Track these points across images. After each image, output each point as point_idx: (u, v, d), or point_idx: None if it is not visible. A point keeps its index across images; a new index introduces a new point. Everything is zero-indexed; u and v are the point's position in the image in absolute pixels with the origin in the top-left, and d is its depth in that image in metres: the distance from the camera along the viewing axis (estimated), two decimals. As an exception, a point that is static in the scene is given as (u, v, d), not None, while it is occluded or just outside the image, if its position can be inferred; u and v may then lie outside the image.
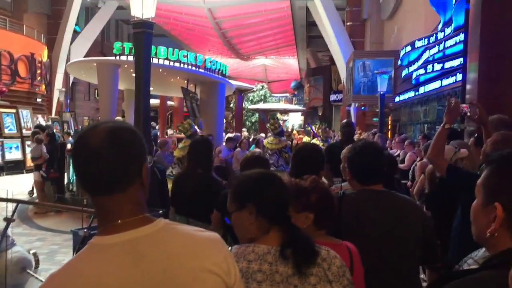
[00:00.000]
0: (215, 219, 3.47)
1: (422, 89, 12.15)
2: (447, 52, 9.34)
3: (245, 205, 1.65)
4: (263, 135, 17.04)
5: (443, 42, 9.42)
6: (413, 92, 13.18)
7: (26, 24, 19.32)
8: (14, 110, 15.80)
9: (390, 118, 18.09)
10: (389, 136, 15.97)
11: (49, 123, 16.83)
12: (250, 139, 13.49)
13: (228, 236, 3.35)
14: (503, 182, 1.12)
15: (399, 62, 14.83)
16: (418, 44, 11.66)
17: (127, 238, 1.12)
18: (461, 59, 6.40)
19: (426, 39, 11.03)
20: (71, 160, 1.17)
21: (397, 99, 15.73)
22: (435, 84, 10.91)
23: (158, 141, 10.59)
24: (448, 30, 9.27)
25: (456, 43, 8.65)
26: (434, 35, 10.45)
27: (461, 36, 7.48)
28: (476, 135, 3.41)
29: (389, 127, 17.87)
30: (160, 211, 4.66)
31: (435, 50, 10.11)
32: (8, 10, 20.07)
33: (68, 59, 20.41)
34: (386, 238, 2.17)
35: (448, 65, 9.40)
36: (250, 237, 1.65)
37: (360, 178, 2.37)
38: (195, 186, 3.91)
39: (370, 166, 2.33)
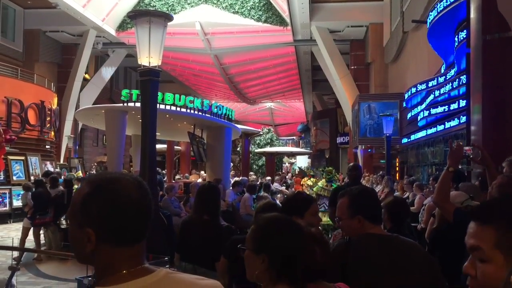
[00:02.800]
0: (222, 266, 3.42)
1: (428, 131, 12.18)
2: (452, 94, 9.43)
3: (260, 253, 1.64)
4: (269, 178, 17.01)
5: (447, 85, 9.53)
6: (420, 134, 13.20)
7: (37, 73, 19.82)
8: (23, 158, 15.97)
9: (397, 159, 18.04)
10: (397, 177, 15.87)
11: (58, 169, 16.93)
12: (258, 183, 13.45)
13: (233, 284, 3.29)
14: None
15: (404, 104, 14.95)
16: (420, 87, 11.82)
17: None
18: (465, 101, 6.45)
19: (430, 82, 11.17)
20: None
21: (403, 140, 15.74)
22: (441, 126, 10.95)
23: (164, 186, 10.59)
24: (451, 73, 9.39)
25: (459, 86, 8.75)
26: (436, 78, 10.59)
27: (463, 79, 7.59)
28: (480, 178, 3.39)
29: (397, 168, 17.78)
30: (166, 258, 4.62)
31: (438, 92, 10.21)
32: (19, 59, 20.66)
33: (77, 106, 20.78)
34: (392, 285, 2.12)
35: (453, 107, 9.46)
36: (257, 283, 1.63)
37: (372, 219, 2.35)
38: (201, 233, 3.88)
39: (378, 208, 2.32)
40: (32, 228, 9.43)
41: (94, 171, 12.82)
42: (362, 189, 2.50)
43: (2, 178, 14.48)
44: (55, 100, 20.34)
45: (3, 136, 13.79)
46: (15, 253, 6.37)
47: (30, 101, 17.69)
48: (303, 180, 17.75)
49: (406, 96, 13.67)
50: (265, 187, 11.67)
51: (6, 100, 16.52)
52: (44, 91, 19.21)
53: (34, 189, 9.65)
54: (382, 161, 17.93)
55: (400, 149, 17.46)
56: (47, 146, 19.24)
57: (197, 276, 1.23)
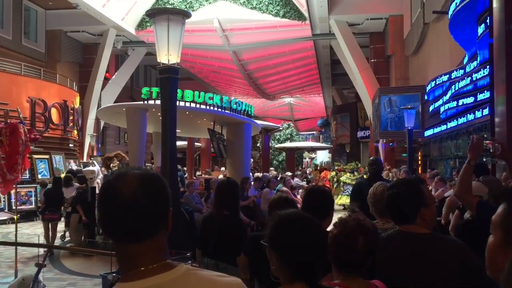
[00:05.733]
0: (242, 262, 3.42)
1: (451, 124, 11.98)
2: (479, 84, 9.24)
3: (273, 249, 1.64)
4: (289, 173, 16.98)
5: (471, 76, 9.35)
6: (443, 127, 12.99)
7: (59, 73, 20.16)
8: (47, 156, 16.29)
9: (419, 153, 17.80)
10: (420, 171, 15.67)
11: (80, 167, 17.20)
12: (278, 178, 13.45)
13: (255, 279, 3.30)
14: None
15: (426, 97, 14.73)
16: (442, 79, 11.62)
17: (149, 285, 1.13)
18: (488, 92, 6.31)
19: (453, 73, 10.98)
20: (97, 208, 1.20)
21: (426, 133, 15.53)
22: (464, 118, 10.76)
23: (185, 182, 10.67)
24: (473, 64, 9.21)
25: (483, 77, 8.57)
26: (459, 69, 10.39)
27: (487, 70, 7.43)
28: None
29: (419, 162, 17.56)
30: (188, 254, 4.66)
31: (462, 83, 10.02)
32: (42, 60, 21.04)
33: (99, 105, 21.08)
34: (418, 286, 2.07)
35: (480, 97, 9.27)
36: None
37: (394, 219, 2.31)
38: (221, 228, 3.90)
39: (404, 206, 2.24)
40: (49, 224, 9.91)
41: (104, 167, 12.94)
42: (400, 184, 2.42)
43: (27, 177, 14.77)
44: (77, 99, 20.66)
45: (28, 135, 14.10)
46: (41, 250, 6.50)
47: (53, 101, 18.01)
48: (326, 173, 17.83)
49: (427, 88, 13.47)
50: (284, 181, 11.63)
51: (30, 100, 16.86)
52: (66, 90, 19.54)
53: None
54: (404, 154, 17.73)
55: (423, 143, 17.22)
56: (70, 145, 19.56)
57: (218, 273, 1.23)
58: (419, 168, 16.64)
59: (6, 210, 13.97)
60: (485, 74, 8.64)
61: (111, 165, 10.66)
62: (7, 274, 7.52)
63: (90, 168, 10.27)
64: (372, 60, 21.36)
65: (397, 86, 18.91)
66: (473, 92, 9.76)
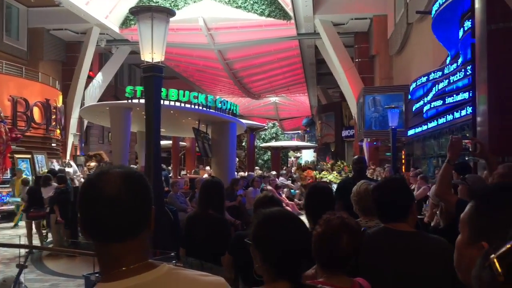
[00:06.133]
0: (226, 261, 3.42)
1: (433, 123, 12.12)
2: (459, 84, 9.37)
3: (256, 248, 1.63)
4: (274, 172, 17.02)
5: (453, 76, 9.46)
6: (425, 126, 13.14)
7: (42, 71, 19.88)
8: (29, 156, 16.05)
9: (403, 152, 17.96)
10: (403, 170, 15.82)
11: (62, 167, 17.02)
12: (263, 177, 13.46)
13: (239, 278, 3.30)
14: (490, 221, 1.06)
15: (409, 97, 14.86)
16: (422, 80, 11.77)
17: (131, 285, 1.11)
18: (470, 92, 6.41)
19: (431, 74, 11.12)
20: (78, 206, 1.17)
21: (409, 133, 15.68)
22: (446, 118, 10.90)
23: (170, 182, 10.61)
24: (455, 65, 9.33)
25: (463, 77, 8.68)
26: (441, 70, 10.52)
27: (468, 70, 7.53)
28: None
29: (403, 161, 17.71)
30: (172, 254, 4.63)
31: (444, 84, 10.14)
32: (24, 58, 20.70)
33: (82, 104, 20.83)
34: (403, 283, 2.08)
35: (459, 98, 9.41)
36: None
37: (382, 216, 2.32)
38: (207, 227, 3.89)
39: (394, 204, 2.26)
40: (33, 223, 9.87)
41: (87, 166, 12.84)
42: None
43: (9, 177, 14.55)
44: (60, 98, 20.41)
45: (9, 134, 13.90)
46: (22, 251, 6.41)
47: (35, 100, 17.76)
48: (313, 172, 17.97)
49: (411, 88, 13.60)
50: (267, 180, 11.67)
51: (12, 99, 16.57)
52: (49, 89, 19.28)
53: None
54: (388, 153, 17.87)
55: (406, 142, 17.38)
56: (53, 144, 19.32)
57: (201, 272, 1.22)
58: (403, 167, 16.79)
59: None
60: (461, 77, 8.80)
61: (88, 164, 10.54)
62: (-12, 276, 7.40)
63: (66, 169, 10.22)
64: (357, 60, 21.48)
65: (381, 86, 19.06)
66: (454, 92, 9.88)
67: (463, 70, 8.76)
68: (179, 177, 16.80)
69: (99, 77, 23.95)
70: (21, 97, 16.96)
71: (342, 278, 1.88)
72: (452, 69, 9.45)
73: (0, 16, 19.52)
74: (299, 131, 46.05)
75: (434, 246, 2.15)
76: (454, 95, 9.71)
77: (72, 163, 12.19)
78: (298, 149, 33.22)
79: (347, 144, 28.25)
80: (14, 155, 14.87)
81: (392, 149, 13.11)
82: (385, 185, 2.37)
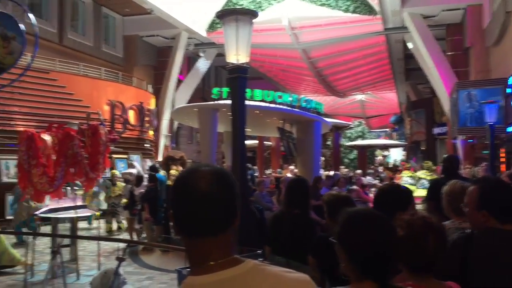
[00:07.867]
0: (311, 264, 3.38)
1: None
2: None
3: (342, 247, 1.61)
4: (360, 171, 16.61)
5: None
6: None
7: (136, 76, 21.14)
8: (125, 156, 17.17)
9: (502, 150, 16.70)
10: (502, 169, 14.72)
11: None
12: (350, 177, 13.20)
13: (325, 278, 3.24)
14: None
15: (509, 90, 13.81)
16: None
17: (217, 279, 1.15)
18: None
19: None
20: (171, 201, 1.26)
21: (509, 129, 14.55)
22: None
23: (256, 181, 10.76)
24: None
25: None
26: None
27: None
28: None
29: (502, 159, 16.46)
30: (259, 251, 4.69)
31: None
32: (120, 64, 22.14)
33: (173, 106, 21.83)
34: None
35: None
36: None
37: (501, 217, 2.15)
38: (292, 227, 3.88)
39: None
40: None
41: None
42: (496, 181, 2.30)
43: (108, 175, 15.60)
44: (153, 101, 21.55)
45: (108, 136, 14.89)
46: (121, 245, 6.84)
47: (131, 103, 18.92)
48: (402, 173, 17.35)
49: (510, 81, 12.62)
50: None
51: (110, 103, 17.82)
52: (142, 93, 20.46)
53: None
54: (484, 151, 16.73)
55: (506, 139, 16.14)
56: (146, 145, 20.44)
57: (286, 269, 1.22)
58: (501, 166, 15.61)
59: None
60: None
61: (173, 167, 10.65)
62: (91, 267, 7.99)
63: (129, 170, 10.59)
64: (449, 53, 20.35)
65: (477, 80, 17.89)
66: None
67: None
68: (264, 176, 17.00)
69: (187, 79, 24.94)
70: (118, 101, 18.16)
71: (432, 282, 1.79)
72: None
73: (99, 26, 21.04)
74: (387, 129, 44.61)
75: None
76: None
77: (135, 163, 12.69)
78: (385, 147, 32.19)
79: (440, 142, 26.83)
80: (113, 155, 15.91)
81: (490, 147, 12.26)
82: (496, 183, 2.23)
